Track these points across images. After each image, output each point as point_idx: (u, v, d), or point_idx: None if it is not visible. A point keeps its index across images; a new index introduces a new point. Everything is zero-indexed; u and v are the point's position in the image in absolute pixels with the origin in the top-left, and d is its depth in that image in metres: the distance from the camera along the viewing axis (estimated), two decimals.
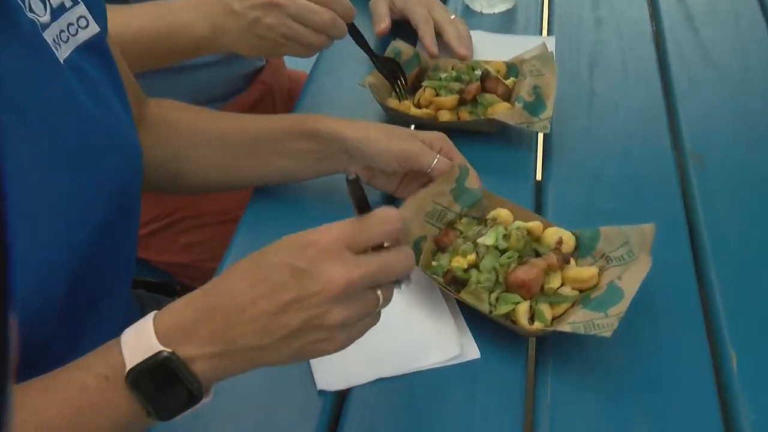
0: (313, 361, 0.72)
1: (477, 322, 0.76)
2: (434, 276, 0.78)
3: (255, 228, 0.90)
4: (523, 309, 0.74)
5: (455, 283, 0.77)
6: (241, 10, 0.93)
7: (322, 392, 0.72)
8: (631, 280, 0.73)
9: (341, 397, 0.72)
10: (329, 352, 0.56)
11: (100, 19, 0.73)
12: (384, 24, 1.16)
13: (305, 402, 0.71)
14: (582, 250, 0.80)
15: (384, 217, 0.56)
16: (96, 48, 0.72)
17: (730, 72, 1.13)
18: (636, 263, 0.75)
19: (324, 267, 0.53)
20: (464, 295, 0.76)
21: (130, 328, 0.55)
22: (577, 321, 0.70)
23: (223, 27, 0.95)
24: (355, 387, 0.72)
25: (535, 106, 0.99)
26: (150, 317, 0.55)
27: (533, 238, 0.80)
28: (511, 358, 0.74)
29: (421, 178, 0.86)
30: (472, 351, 0.74)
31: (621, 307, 0.70)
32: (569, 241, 0.80)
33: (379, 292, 0.56)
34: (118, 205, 0.71)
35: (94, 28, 0.71)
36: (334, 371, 0.72)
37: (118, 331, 0.56)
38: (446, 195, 0.84)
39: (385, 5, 1.17)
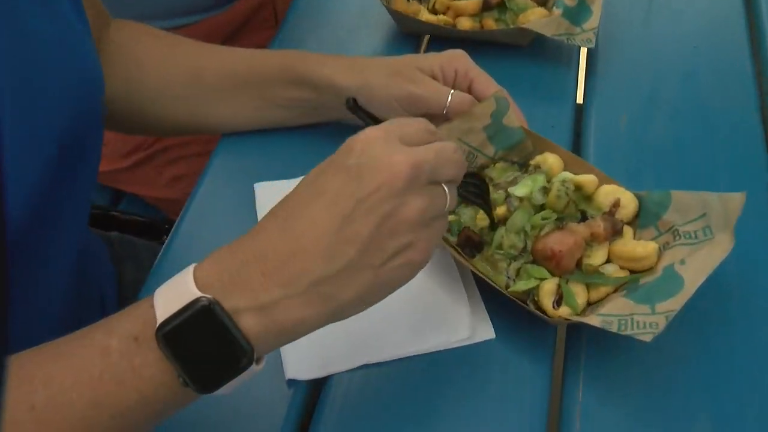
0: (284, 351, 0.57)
1: (495, 296, 0.59)
2: (445, 235, 0.61)
3: (236, 145, 0.75)
4: (548, 288, 0.57)
5: (469, 245, 0.60)
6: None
7: (292, 382, 0.57)
8: (699, 266, 0.55)
9: (316, 388, 0.57)
10: (417, 267, 0.46)
11: None
12: None
13: (272, 393, 0.56)
14: (645, 217, 0.61)
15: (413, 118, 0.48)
16: None
17: None
18: (710, 245, 0.56)
19: (380, 154, 0.44)
20: (477, 263, 0.59)
21: (163, 285, 0.45)
22: (612, 313, 0.53)
23: None
24: (334, 376, 0.57)
25: (577, 13, 0.80)
26: (190, 267, 0.45)
27: (583, 196, 0.62)
28: (535, 345, 0.58)
29: (441, 117, 0.69)
30: (485, 331, 0.58)
31: (676, 302, 0.53)
32: (629, 204, 0.61)
33: (445, 187, 0.47)
34: (74, 139, 0.58)
35: None
36: (309, 356, 0.57)
37: (70, 272, 0.49)
38: (478, 133, 0.66)
39: None
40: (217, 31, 1.11)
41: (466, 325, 0.58)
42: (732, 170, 0.70)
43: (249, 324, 0.43)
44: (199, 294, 0.43)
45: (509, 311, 0.58)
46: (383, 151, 0.44)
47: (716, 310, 0.59)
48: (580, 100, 0.80)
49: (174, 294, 0.44)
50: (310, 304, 0.44)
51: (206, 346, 0.43)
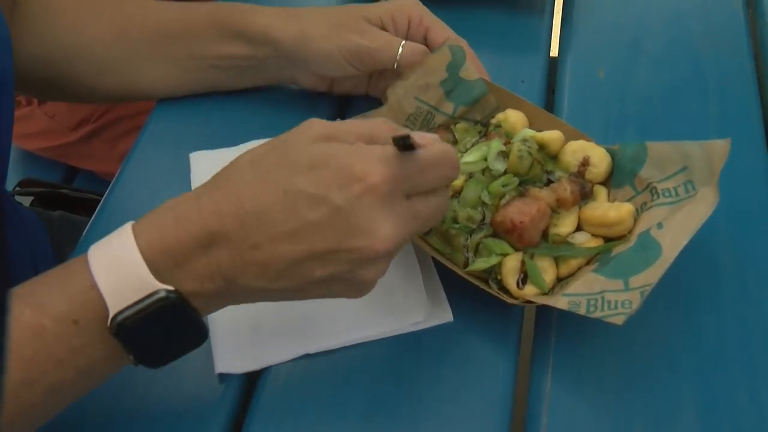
0: (212, 336, 0.50)
1: (454, 275, 0.52)
2: None
3: (172, 111, 0.68)
4: (511, 265, 0.49)
5: None
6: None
7: (223, 376, 0.50)
8: (678, 229, 0.47)
9: (251, 383, 0.50)
10: (351, 297, 0.45)
11: None
12: None
13: (201, 389, 0.50)
14: (619, 175, 0.54)
15: (443, 157, 0.43)
16: None
17: None
18: (692, 202, 0.49)
19: (372, 216, 0.41)
20: (432, 239, 0.52)
21: (98, 251, 0.42)
22: (580, 292, 0.46)
23: None
24: (271, 368, 0.50)
25: None
26: (128, 237, 0.42)
27: (548, 154, 0.55)
28: (500, 327, 0.51)
29: (393, 72, 0.61)
30: (442, 312, 0.51)
31: (651, 275, 0.46)
32: (601, 162, 0.54)
33: None
34: None
35: None
36: (241, 347, 0.50)
37: None
38: (434, 89, 0.59)
39: None
40: None
41: (421, 307, 0.50)
42: (723, 121, 0.63)
43: (197, 305, 0.42)
44: (157, 286, 0.41)
45: (470, 289, 0.51)
46: (377, 216, 0.41)
47: (705, 283, 0.52)
48: (554, 52, 0.72)
49: (123, 280, 0.41)
50: (249, 298, 0.44)
51: (166, 332, 0.42)
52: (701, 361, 0.49)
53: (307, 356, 0.50)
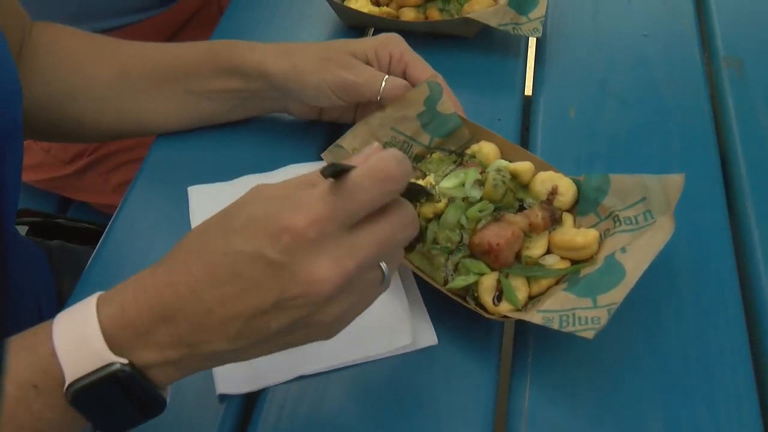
0: None
1: (436, 296, 0.57)
2: None
3: (170, 146, 0.72)
4: (488, 283, 0.54)
5: None
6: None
7: (223, 397, 0.54)
8: (640, 254, 0.52)
9: (250, 403, 0.54)
10: (321, 340, 0.46)
11: None
12: None
13: (201, 410, 0.53)
14: (584, 204, 0.59)
15: (379, 172, 0.41)
16: None
17: None
18: (652, 230, 0.54)
19: (305, 262, 0.41)
20: (414, 257, 0.57)
21: (62, 320, 0.44)
22: (554, 309, 0.51)
23: None
24: (268, 389, 0.54)
25: (524, 2, 0.78)
26: (90, 309, 0.43)
27: (520, 184, 0.60)
28: (481, 347, 0.55)
29: (373, 104, 0.66)
30: (427, 337, 0.55)
31: (617, 294, 0.50)
32: (568, 191, 0.59)
33: (383, 265, 0.44)
34: None
35: None
36: (240, 368, 0.54)
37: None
38: (411, 121, 0.64)
39: None
40: (159, 29, 1.08)
41: (408, 331, 0.55)
42: (684, 157, 0.69)
43: (158, 375, 0.44)
44: (111, 359, 0.42)
45: (452, 314, 0.56)
46: (310, 260, 0.41)
47: (667, 302, 0.57)
48: (528, 91, 0.77)
49: (81, 350, 0.43)
50: (213, 361, 0.45)
51: (120, 402, 0.44)
52: (664, 371, 0.53)
53: (302, 378, 0.54)
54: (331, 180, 0.41)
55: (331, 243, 0.41)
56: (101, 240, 0.65)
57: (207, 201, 0.66)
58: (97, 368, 0.42)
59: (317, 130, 0.72)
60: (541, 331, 0.53)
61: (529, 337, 0.55)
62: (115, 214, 0.67)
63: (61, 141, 0.99)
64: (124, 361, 0.42)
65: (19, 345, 0.44)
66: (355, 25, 0.83)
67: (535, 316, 0.51)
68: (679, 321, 0.56)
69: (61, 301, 0.81)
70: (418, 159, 0.65)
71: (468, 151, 0.64)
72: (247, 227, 0.41)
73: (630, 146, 0.70)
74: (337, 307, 0.42)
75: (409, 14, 0.78)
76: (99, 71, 0.71)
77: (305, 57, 0.66)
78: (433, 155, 0.64)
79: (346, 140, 0.64)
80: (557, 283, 0.55)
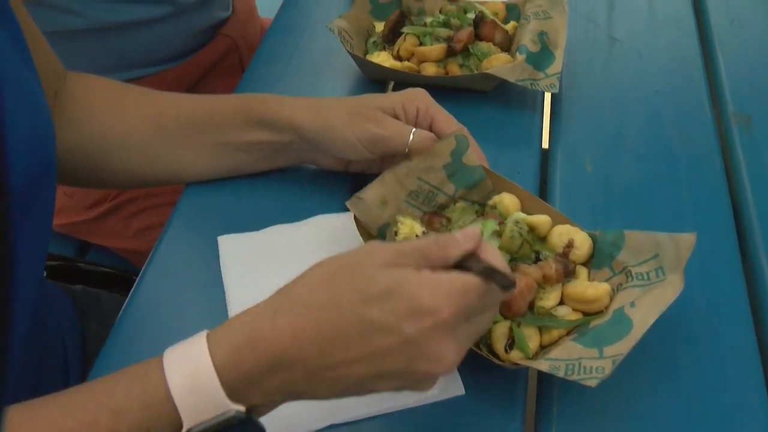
0: None
1: None
2: None
3: (199, 196, 0.74)
4: (500, 331, 0.56)
5: None
6: None
7: None
8: (648, 308, 0.55)
9: None
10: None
11: None
12: None
13: None
14: (599, 258, 0.62)
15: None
16: None
17: None
18: (662, 286, 0.56)
19: (437, 342, 0.45)
20: None
21: (174, 360, 0.46)
22: (561, 357, 0.53)
23: None
24: None
25: (540, 58, 0.80)
26: (202, 352, 0.45)
27: (536, 236, 0.62)
28: (506, 396, 0.57)
29: (400, 155, 0.68)
30: (454, 387, 0.57)
31: (623, 346, 0.52)
32: (583, 244, 0.62)
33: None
34: (24, 195, 0.56)
35: None
36: (271, 417, 0.56)
37: (30, 320, 0.51)
38: (437, 171, 0.66)
39: None
40: (182, 79, 1.10)
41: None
42: (697, 211, 0.71)
43: (260, 412, 0.47)
44: (230, 406, 0.45)
45: (478, 364, 0.57)
46: (445, 345, 0.45)
47: (685, 356, 0.59)
48: (545, 144, 0.80)
49: (199, 398, 0.45)
50: (312, 399, 0.48)
51: None
52: (685, 422, 0.55)
53: (331, 427, 0.56)
54: (460, 278, 0.45)
55: (461, 331, 0.46)
56: (133, 288, 0.67)
57: (237, 251, 0.68)
58: (215, 415, 0.45)
59: (342, 181, 0.74)
60: (565, 380, 0.55)
61: (553, 387, 0.57)
62: (147, 262, 0.69)
63: (92, 187, 1.01)
64: (242, 408, 0.45)
65: (131, 383, 0.46)
66: (377, 79, 0.86)
67: (542, 364, 0.53)
68: (697, 374, 0.58)
69: (85, 343, 0.82)
70: (441, 208, 0.67)
71: (489, 202, 0.66)
72: (386, 299, 0.44)
73: (644, 199, 0.72)
74: (437, 380, 0.47)
75: (430, 69, 0.81)
76: (133, 121, 0.73)
77: (335, 112, 0.68)
78: (457, 205, 0.67)
79: (373, 188, 0.66)
80: (568, 333, 0.57)
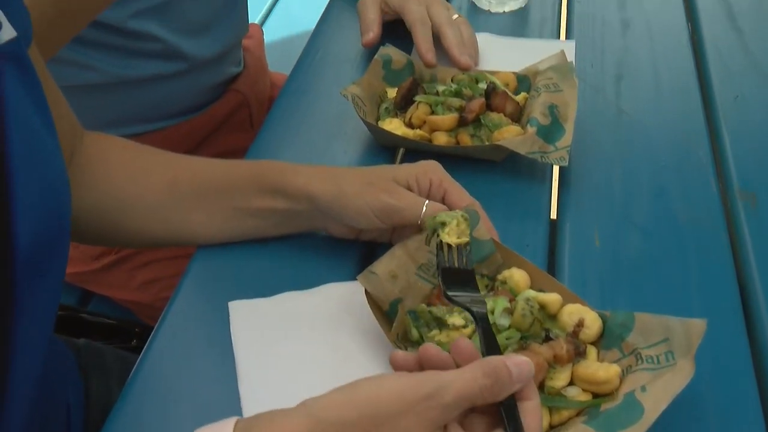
0: None
1: None
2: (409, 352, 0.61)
3: (211, 260, 0.74)
4: None
5: None
6: None
7: None
8: (659, 394, 0.55)
9: None
10: None
11: (19, 21, 0.58)
12: (372, 33, 0.98)
13: None
14: (609, 338, 0.62)
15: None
16: (12, 58, 0.57)
17: None
18: (672, 371, 0.57)
19: None
20: None
21: None
22: None
23: None
24: None
25: (551, 131, 0.81)
26: None
27: (547, 314, 0.63)
28: None
29: (415, 227, 0.69)
30: None
31: (634, 431, 0.53)
32: (593, 324, 0.62)
33: None
34: (37, 253, 0.57)
35: (9, 32, 0.56)
36: None
37: (35, 383, 0.54)
38: None
39: (376, 7, 1.00)
40: (193, 133, 1.12)
41: None
42: (704, 290, 0.71)
43: None
44: None
45: None
46: None
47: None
48: (554, 215, 0.81)
49: None
50: None
51: None
52: None
53: None
54: None
55: None
56: (143, 353, 0.67)
57: (247, 317, 0.68)
58: None
59: (353, 249, 0.75)
60: None
61: None
62: (157, 326, 0.70)
63: (103, 245, 1.02)
64: None
65: None
66: (389, 145, 0.87)
67: None
68: None
69: (88, 399, 0.82)
70: None
71: (499, 277, 0.67)
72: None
73: (652, 277, 0.73)
74: None
75: (441, 138, 0.83)
76: (149, 183, 0.74)
77: (349, 181, 0.69)
78: None
79: (383, 262, 0.67)
80: (578, 414, 0.57)
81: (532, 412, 0.49)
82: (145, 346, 0.68)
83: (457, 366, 0.51)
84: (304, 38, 1.09)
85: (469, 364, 0.49)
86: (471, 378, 0.47)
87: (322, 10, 1.17)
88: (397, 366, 0.53)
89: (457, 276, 0.62)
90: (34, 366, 0.64)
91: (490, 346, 0.55)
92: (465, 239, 0.63)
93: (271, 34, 1.63)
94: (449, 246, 0.62)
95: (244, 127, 1.18)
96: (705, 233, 0.77)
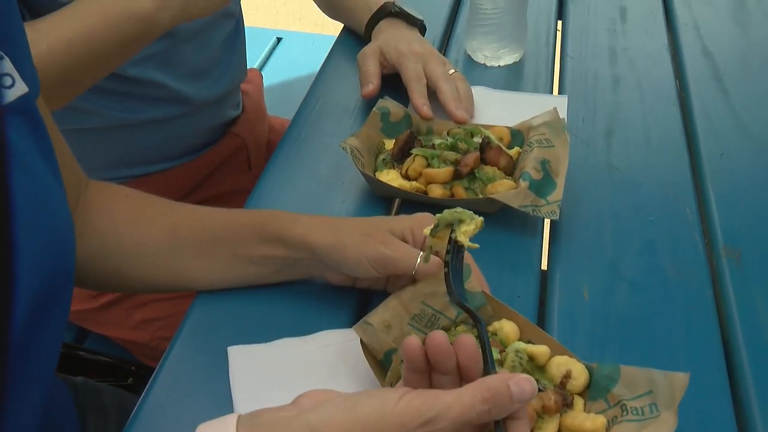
0: None
1: None
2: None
3: (210, 305, 0.76)
4: None
5: None
6: None
7: None
8: None
9: None
10: None
11: (29, 77, 0.61)
12: (371, 85, 1.01)
13: None
14: (594, 390, 0.64)
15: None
16: (24, 111, 0.60)
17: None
18: (656, 423, 0.59)
19: None
20: None
21: None
22: None
23: None
24: None
25: (543, 186, 0.84)
26: None
27: (536, 366, 0.65)
28: None
29: (408, 278, 0.72)
30: None
31: None
32: (580, 376, 0.65)
33: None
34: (43, 297, 0.59)
35: (21, 88, 0.59)
36: None
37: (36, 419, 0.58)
38: (440, 297, 0.69)
39: (375, 60, 1.03)
40: (192, 175, 1.15)
41: None
42: (689, 345, 0.74)
43: None
44: None
45: None
46: None
47: None
48: (544, 267, 0.83)
49: None
50: None
51: None
52: None
53: None
54: None
55: None
56: (142, 397, 0.69)
57: (246, 362, 0.70)
58: None
59: (349, 296, 0.77)
60: None
61: None
62: (156, 369, 0.71)
63: (104, 291, 1.04)
64: None
65: None
66: (385, 196, 0.89)
67: None
68: None
69: None
70: (443, 331, 0.69)
71: (490, 328, 0.69)
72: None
73: (639, 331, 0.75)
74: None
75: (436, 190, 0.85)
76: (151, 231, 0.76)
77: (347, 232, 0.72)
78: (458, 329, 0.69)
79: (378, 313, 0.69)
80: None
81: (519, 428, 0.51)
82: (145, 389, 0.69)
83: (458, 359, 0.54)
84: (302, 82, 1.13)
85: (471, 385, 0.50)
86: (470, 404, 0.49)
87: (320, 54, 1.20)
88: (407, 352, 0.55)
89: (457, 277, 0.63)
90: (34, 405, 0.65)
91: (485, 348, 0.57)
92: (474, 245, 0.65)
93: (270, 77, 1.67)
94: (457, 246, 0.64)
95: (242, 169, 1.21)
96: (691, 288, 0.80)
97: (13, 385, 0.60)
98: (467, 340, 0.55)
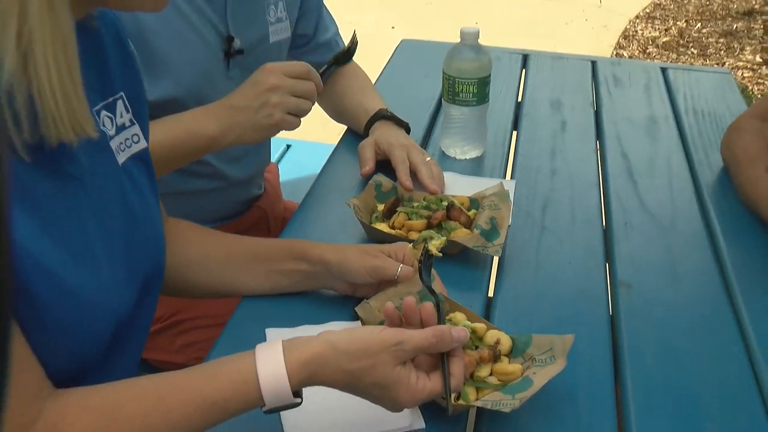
0: (284, 419, 0.87)
1: None
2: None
3: (240, 328, 1.06)
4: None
5: None
6: (244, 103, 1.16)
7: None
8: (543, 375, 0.89)
9: None
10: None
11: (147, 137, 0.94)
12: (368, 167, 1.36)
13: None
14: (516, 351, 0.96)
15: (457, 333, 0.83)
16: (143, 159, 0.94)
17: (661, 218, 1.33)
18: (553, 365, 0.91)
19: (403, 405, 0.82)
20: None
21: (262, 362, 0.79)
22: (488, 399, 0.86)
23: (230, 123, 1.16)
24: None
25: (490, 234, 1.17)
26: (280, 359, 0.79)
27: (477, 336, 0.96)
28: (453, 426, 0.88)
29: (393, 282, 1.03)
30: (418, 421, 0.88)
31: (527, 393, 0.86)
32: (506, 342, 0.96)
33: None
34: (146, 289, 0.91)
35: (143, 144, 0.93)
36: (306, 427, 0.87)
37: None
38: (414, 295, 1.01)
39: (371, 149, 1.38)
40: None
41: (406, 416, 0.88)
42: (585, 337, 1.05)
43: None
44: (295, 401, 0.79)
45: (437, 407, 0.89)
46: (405, 405, 0.82)
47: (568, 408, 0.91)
48: (491, 293, 1.15)
49: (278, 393, 0.77)
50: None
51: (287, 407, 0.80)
52: None
53: None
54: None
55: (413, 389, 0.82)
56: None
57: (278, 338, 1.01)
58: (286, 404, 0.78)
59: (349, 301, 1.08)
60: (492, 420, 0.86)
61: (483, 421, 0.89)
62: (216, 341, 1.01)
63: (175, 295, 1.32)
64: (299, 400, 0.79)
65: (225, 361, 0.81)
66: (377, 240, 1.22)
67: (476, 402, 0.86)
68: (572, 418, 0.90)
69: None
70: None
71: (447, 317, 1.00)
72: (387, 388, 0.80)
73: (553, 329, 1.06)
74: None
75: (414, 236, 1.18)
76: (211, 252, 1.08)
77: (351, 252, 1.04)
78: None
79: (377, 297, 1.01)
80: (493, 391, 0.90)
81: (456, 362, 0.82)
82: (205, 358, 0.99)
83: (421, 320, 0.84)
84: (308, 179, 1.47)
85: (427, 329, 0.82)
86: (425, 337, 0.80)
87: (321, 158, 1.55)
88: (386, 314, 0.86)
89: (427, 273, 0.94)
90: (131, 369, 0.96)
91: (440, 315, 0.87)
92: (440, 254, 0.97)
93: (283, 174, 2.02)
94: (428, 253, 0.95)
95: (263, 235, 1.53)
96: (593, 308, 1.11)
97: (119, 347, 0.90)
98: (428, 305, 0.86)
